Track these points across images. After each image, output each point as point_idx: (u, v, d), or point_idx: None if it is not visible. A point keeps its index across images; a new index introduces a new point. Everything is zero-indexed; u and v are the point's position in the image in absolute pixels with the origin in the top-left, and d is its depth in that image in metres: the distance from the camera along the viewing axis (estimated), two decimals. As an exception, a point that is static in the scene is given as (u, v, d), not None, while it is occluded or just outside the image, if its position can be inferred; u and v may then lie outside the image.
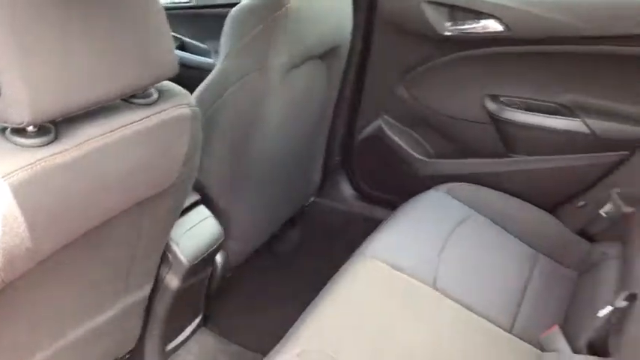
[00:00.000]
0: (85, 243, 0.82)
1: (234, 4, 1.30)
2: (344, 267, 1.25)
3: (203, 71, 1.36)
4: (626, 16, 1.38)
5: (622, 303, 1.07)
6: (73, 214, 0.74)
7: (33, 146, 0.69)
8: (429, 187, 1.56)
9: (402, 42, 1.63)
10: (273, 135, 1.37)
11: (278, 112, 1.35)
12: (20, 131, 0.69)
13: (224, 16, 1.29)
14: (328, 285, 1.19)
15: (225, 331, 1.52)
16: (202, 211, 1.29)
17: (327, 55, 1.46)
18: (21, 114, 0.65)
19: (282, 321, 1.16)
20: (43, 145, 0.70)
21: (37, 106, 0.65)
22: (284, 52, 1.27)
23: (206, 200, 1.33)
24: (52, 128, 0.71)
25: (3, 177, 0.64)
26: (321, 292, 1.18)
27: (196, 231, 1.25)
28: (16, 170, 0.66)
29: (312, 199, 1.81)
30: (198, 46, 1.94)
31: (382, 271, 1.24)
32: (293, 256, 1.82)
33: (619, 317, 1.08)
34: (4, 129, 0.70)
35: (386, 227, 1.39)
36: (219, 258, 1.38)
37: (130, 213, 0.88)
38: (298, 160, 1.60)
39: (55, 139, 0.71)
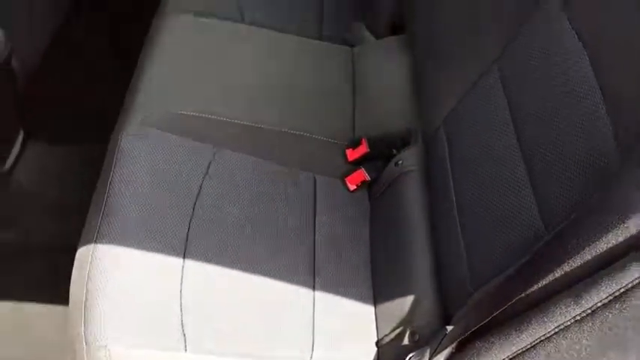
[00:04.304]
0: None
1: None
2: (153, 29, 1.22)
3: None
4: None
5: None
6: None
7: None
8: None
9: None
10: None
11: None
12: None
13: None
14: (146, 49, 1.18)
15: (51, 138, 1.47)
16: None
17: None
18: None
19: (107, 103, 1.15)
20: None
21: None
22: None
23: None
24: None
25: None
26: (141, 58, 1.17)
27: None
28: None
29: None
30: None
31: (190, 20, 1.23)
32: (92, 39, 1.69)
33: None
34: None
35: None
36: (15, 63, 1.26)
37: None
38: None
39: None
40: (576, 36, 0.73)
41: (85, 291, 0.83)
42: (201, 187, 0.97)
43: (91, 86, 1.53)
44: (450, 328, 0.75)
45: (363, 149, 1.09)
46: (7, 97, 1.26)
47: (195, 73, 1.15)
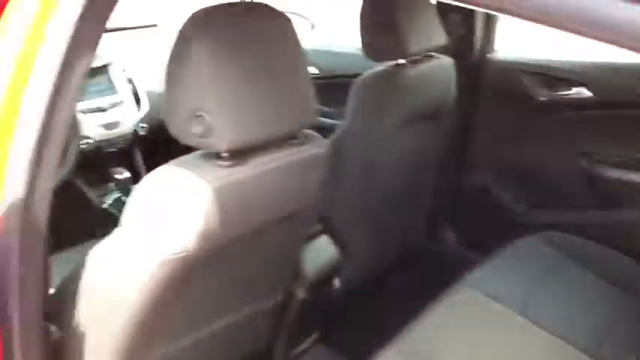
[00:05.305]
0: (244, 243, 1.12)
1: (356, 75, 1.62)
2: (444, 295, 1.46)
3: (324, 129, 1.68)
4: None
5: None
6: (243, 214, 1.05)
7: (225, 167, 1.01)
8: (526, 235, 1.74)
9: (503, 104, 1.87)
10: (388, 181, 1.64)
11: (392, 161, 1.63)
12: (219, 156, 1.01)
13: (347, 85, 1.61)
14: (429, 309, 1.41)
15: (340, 348, 1.76)
16: (325, 238, 1.58)
17: (435, 114, 1.73)
18: (224, 144, 0.98)
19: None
20: (231, 167, 1.01)
21: (235, 139, 0.98)
22: (398, 112, 1.57)
23: (328, 231, 1.61)
24: (237, 155, 1.02)
25: (208, 183, 0.96)
26: (423, 314, 1.40)
27: (320, 253, 1.53)
28: (216, 181, 0.98)
29: (419, 242, 2.04)
30: (323, 109, 2.29)
31: (476, 298, 1.44)
32: (404, 291, 2.03)
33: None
34: (209, 154, 1.03)
35: (483, 265, 1.59)
36: (337, 282, 1.64)
37: (277, 226, 1.18)
38: (407, 204, 1.85)
39: (238, 163, 1.03)
40: None
41: None
42: None
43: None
44: None
45: None
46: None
47: (456, 343, 1.32)
